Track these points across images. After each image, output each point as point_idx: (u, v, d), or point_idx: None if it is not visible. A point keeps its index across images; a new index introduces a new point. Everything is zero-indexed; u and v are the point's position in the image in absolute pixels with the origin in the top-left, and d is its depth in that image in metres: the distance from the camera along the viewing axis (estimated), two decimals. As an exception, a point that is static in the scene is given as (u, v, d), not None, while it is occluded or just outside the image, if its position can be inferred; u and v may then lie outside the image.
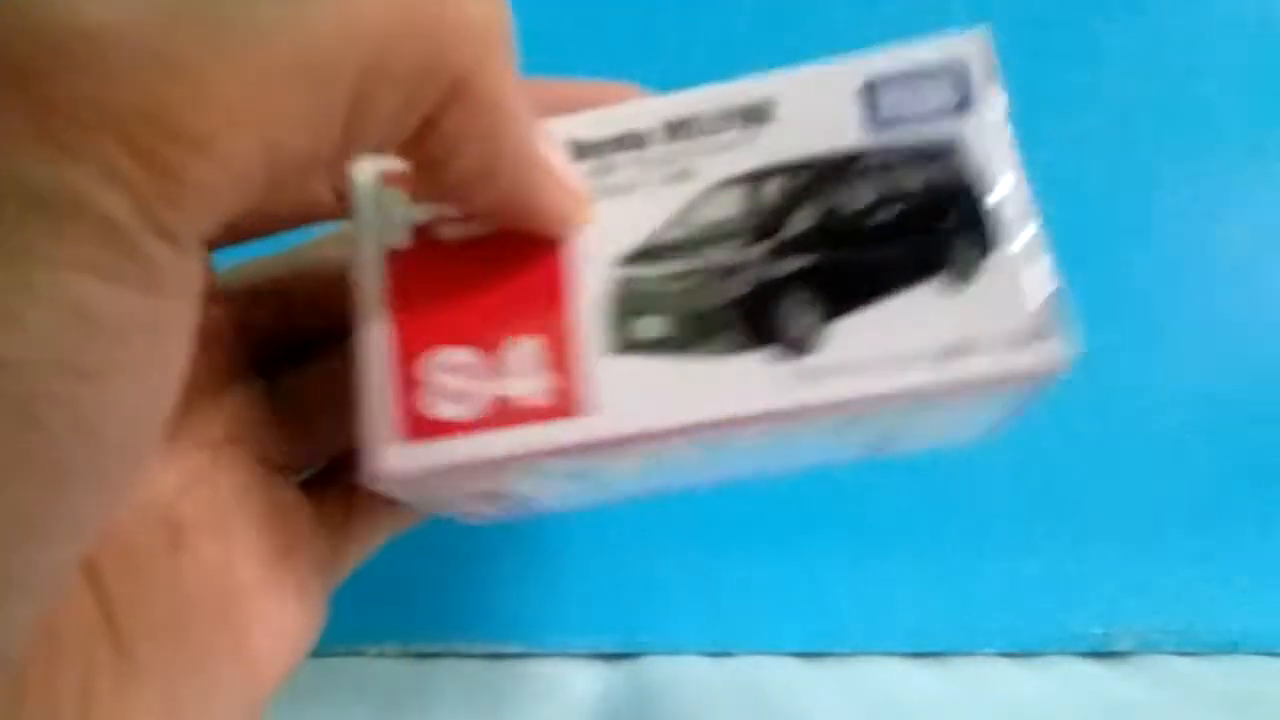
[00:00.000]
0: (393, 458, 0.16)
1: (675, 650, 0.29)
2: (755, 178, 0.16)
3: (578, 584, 0.29)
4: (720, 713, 0.26)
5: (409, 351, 0.16)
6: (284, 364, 0.19)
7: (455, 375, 0.16)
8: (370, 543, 0.20)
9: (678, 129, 0.17)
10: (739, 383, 0.15)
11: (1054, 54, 0.32)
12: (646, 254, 0.16)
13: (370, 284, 0.17)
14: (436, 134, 0.13)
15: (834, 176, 0.16)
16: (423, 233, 0.17)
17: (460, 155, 0.14)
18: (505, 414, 0.16)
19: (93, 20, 0.11)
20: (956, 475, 0.29)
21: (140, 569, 0.15)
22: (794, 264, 0.16)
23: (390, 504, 0.19)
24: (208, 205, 0.11)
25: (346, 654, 0.29)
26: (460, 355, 0.16)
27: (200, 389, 0.17)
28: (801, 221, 0.16)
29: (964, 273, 0.15)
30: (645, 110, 0.17)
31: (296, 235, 0.20)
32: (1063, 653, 0.28)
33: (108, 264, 0.11)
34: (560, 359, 0.16)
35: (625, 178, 0.17)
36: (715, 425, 0.15)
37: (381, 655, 0.29)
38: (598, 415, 0.16)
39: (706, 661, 0.28)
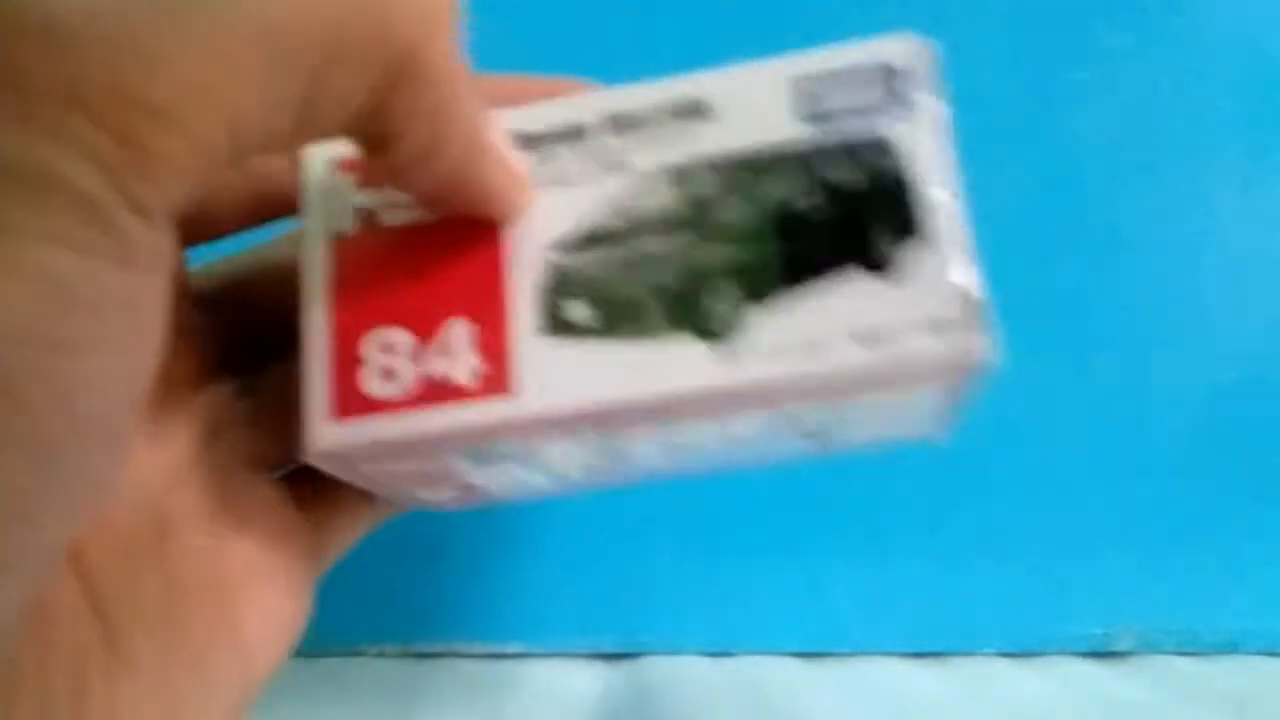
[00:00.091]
0: (324, 435, 0.16)
1: (675, 650, 0.29)
2: (690, 170, 0.17)
3: (578, 584, 0.29)
4: (720, 713, 0.26)
5: (347, 332, 0.17)
6: (266, 359, 0.20)
7: (390, 355, 0.16)
8: (351, 534, 0.20)
9: (618, 122, 0.17)
10: (664, 366, 0.16)
11: (1054, 54, 0.32)
12: (582, 241, 0.17)
13: (316, 268, 0.17)
14: (387, 112, 0.14)
15: (764, 169, 0.16)
16: (370, 218, 0.17)
17: (408, 134, 0.14)
18: (434, 393, 0.16)
19: (62, 6, 0.11)
20: (956, 476, 0.29)
21: (129, 561, 0.16)
22: (721, 253, 0.16)
23: (367, 495, 0.20)
24: (176, 176, 0.12)
25: (346, 654, 0.29)
26: (396, 336, 0.17)
27: (179, 384, 0.17)
28: (730, 212, 0.16)
29: (888, 264, 0.15)
30: (587, 104, 0.17)
31: (267, 232, 0.20)
32: (1063, 653, 0.28)
33: (83, 238, 0.11)
34: (492, 341, 0.16)
35: (566, 168, 0.17)
36: (638, 407, 0.16)
37: (381, 655, 0.29)
38: (523, 396, 0.16)
39: (706, 661, 0.28)
